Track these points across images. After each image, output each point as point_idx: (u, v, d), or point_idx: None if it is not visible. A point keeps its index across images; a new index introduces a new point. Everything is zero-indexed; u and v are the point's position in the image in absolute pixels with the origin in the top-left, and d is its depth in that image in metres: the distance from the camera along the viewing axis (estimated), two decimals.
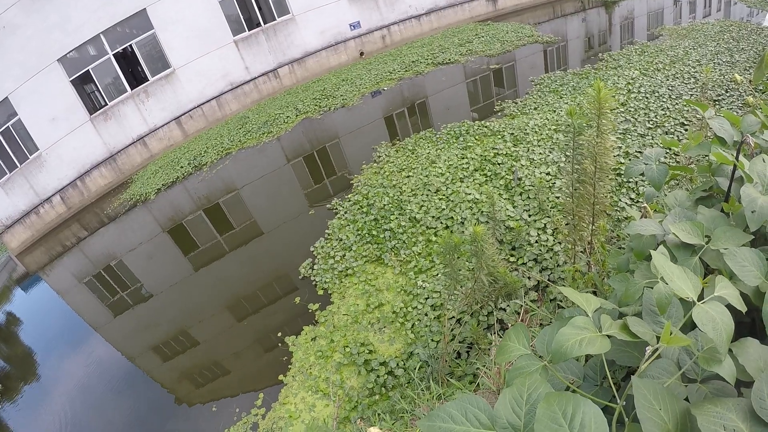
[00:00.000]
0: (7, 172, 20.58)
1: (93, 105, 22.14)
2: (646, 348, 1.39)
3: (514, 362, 1.68)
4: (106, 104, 20.62)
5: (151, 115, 20.80)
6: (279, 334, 7.66)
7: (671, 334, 1.33)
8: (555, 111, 10.89)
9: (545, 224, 7.31)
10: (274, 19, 21.50)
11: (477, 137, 10.72)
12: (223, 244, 11.96)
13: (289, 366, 6.99)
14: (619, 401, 1.40)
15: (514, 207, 7.93)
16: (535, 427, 1.17)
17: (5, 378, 11.31)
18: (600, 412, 1.16)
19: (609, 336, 1.49)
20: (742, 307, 1.46)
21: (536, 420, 1.18)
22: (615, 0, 22.09)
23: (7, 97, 19.50)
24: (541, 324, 4.89)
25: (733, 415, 1.20)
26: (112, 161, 20.81)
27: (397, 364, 6.22)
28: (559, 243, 6.85)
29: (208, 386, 7.89)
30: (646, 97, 10.75)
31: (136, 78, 21.68)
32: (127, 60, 21.45)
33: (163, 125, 20.96)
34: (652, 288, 1.69)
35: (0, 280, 20.19)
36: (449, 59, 18.13)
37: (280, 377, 6.84)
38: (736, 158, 2.17)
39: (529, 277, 6.45)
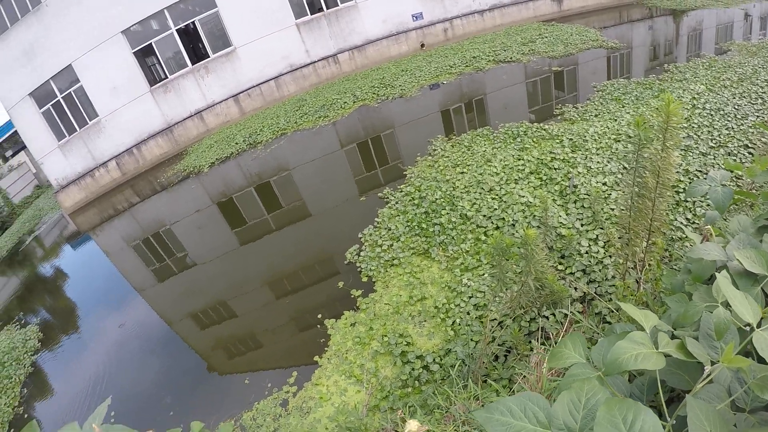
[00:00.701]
0: (67, 135, 21.38)
1: (153, 77, 22.82)
2: (705, 368, 1.40)
3: (565, 369, 1.70)
4: (167, 77, 21.17)
5: (210, 91, 21.23)
6: (319, 316, 7.77)
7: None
8: (616, 120, 10.68)
9: (597, 235, 7.21)
10: (337, 5, 21.67)
11: (535, 139, 10.60)
12: (271, 221, 12.14)
13: (326, 348, 7.07)
14: (669, 419, 1.42)
15: (567, 214, 7.83)
16: (596, 429, 1.20)
17: (47, 328, 11.77)
18: (659, 423, 1.19)
19: (672, 354, 1.50)
20: None
21: (596, 423, 1.21)
22: (684, 9, 21.48)
23: (70, 64, 20.25)
24: (589, 338, 4.85)
25: None
26: (169, 132, 21.35)
27: (434, 360, 6.23)
28: (610, 256, 6.74)
29: (242, 358, 8.08)
30: (711, 115, 10.40)
31: (196, 54, 22.22)
32: (189, 36, 21.98)
33: (221, 101, 21.39)
34: (711, 312, 1.70)
35: (51, 237, 20.98)
36: (511, 57, 17.94)
37: (316, 358, 6.93)
38: None
39: (575, 288, 6.38)
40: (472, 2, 22.86)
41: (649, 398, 1.77)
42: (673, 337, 1.89)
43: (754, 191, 6.38)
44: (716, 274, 1.65)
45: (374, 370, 6.39)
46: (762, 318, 1.50)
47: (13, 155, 46.83)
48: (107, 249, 15.91)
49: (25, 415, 8.97)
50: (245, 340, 8.44)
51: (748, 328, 1.44)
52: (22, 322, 12.81)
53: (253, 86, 21.46)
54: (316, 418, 6.02)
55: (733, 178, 7.68)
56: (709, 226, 2.90)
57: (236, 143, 17.91)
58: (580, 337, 1.73)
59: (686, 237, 6.63)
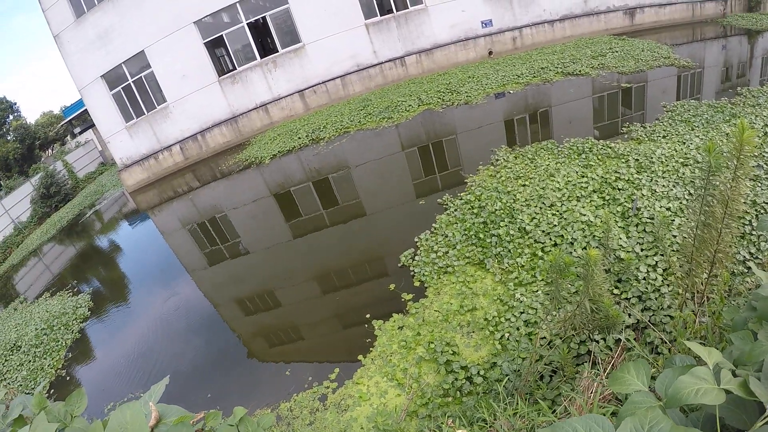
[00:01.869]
0: (135, 117, 22.22)
1: (221, 68, 23.49)
2: (767, 407, 1.38)
3: (620, 396, 1.71)
4: (235, 68, 21.74)
5: (276, 85, 21.64)
6: (367, 316, 7.82)
7: None
8: (684, 143, 10.37)
9: (657, 262, 7.04)
10: (407, 8, 21.76)
11: (600, 157, 10.40)
12: (326, 217, 12.27)
13: (371, 348, 7.12)
14: None
15: (627, 237, 7.66)
16: None
17: (98, 298, 12.21)
18: None
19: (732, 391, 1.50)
20: None
21: None
22: (760, 30, 20.71)
23: (143, 50, 21.06)
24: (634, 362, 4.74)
25: None
26: (233, 122, 21.88)
27: (478, 372, 6.19)
28: (668, 285, 6.57)
29: (285, 347, 8.21)
30: None
31: (264, 48, 22.73)
32: (258, 30, 22.41)
33: (286, 96, 21.77)
34: None
35: (111, 212, 21.77)
36: (580, 70, 17.65)
37: (359, 357, 6.98)
38: None
39: (629, 314, 6.25)
40: (543, 11, 22.60)
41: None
42: (734, 374, 1.87)
43: None
44: None
45: (417, 375, 6.40)
46: None
47: (81, 132, 48.84)
48: (163, 228, 16.43)
49: (67, 378, 9.36)
50: (289, 331, 8.57)
51: None
52: (75, 290, 13.38)
53: (319, 83, 21.75)
54: (353, 416, 6.08)
55: None
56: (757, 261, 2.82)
57: (299, 138, 18.19)
58: (644, 364, 1.73)
59: (750, 272, 6.41)
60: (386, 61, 21.93)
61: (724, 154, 4.09)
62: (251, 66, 21.37)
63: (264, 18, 20.96)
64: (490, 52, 22.50)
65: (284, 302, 9.43)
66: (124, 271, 14.26)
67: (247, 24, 20.83)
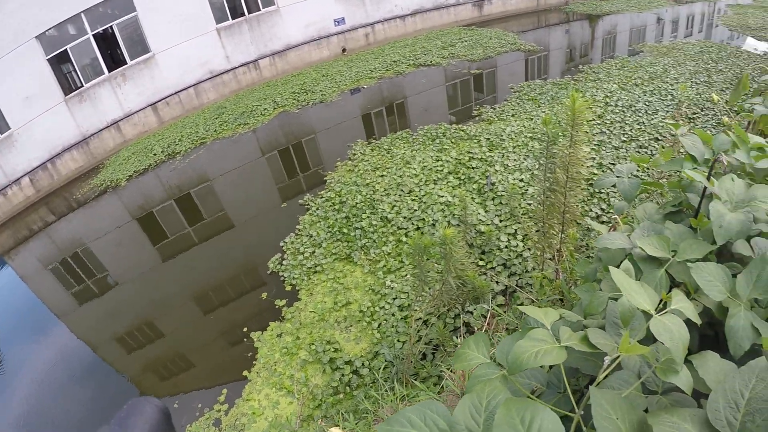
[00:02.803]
0: None
1: (69, 86, 21.71)
2: (605, 358, 1.39)
3: (473, 370, 1.68)
4: (82, 85, 20.25)
5: (127, 100, 20.46)
6: (245, 329, 7.58)
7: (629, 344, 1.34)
8: (532, 119, 10.97)
9: (516, 230, 7.36)
10: (259, 10, 21.33)
11: (453, 140, 10.75)
12: (193, 235, 11.82)
13: (254, 362, 6.92)
14: (577, 410, 1.40)
15: (486, 212, 7.96)
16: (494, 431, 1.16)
17: None
18: (558, 420, 1.15)
19: (570, 347, 1.50)
20: (697, 320, 1.48)
21: (495, 424, 1.17)
22: (599, 14, 22.37)
23: None
24: (507, 329, 4.90)
25: (688, 425, 1.21)
26: (85, 144, 20.44)
27: (363, 364, 6.21)
28: (529, 249, 6.90)
29: (171, 380, 7.76)
30: (623, 111, 10.91)
31: (114, 60, 21.30)
32: (106, 41, 21.07)
33: (138, 110, 20.66)
34: (616, 300, 1.71)
35: None
36: (431, 61, 18.18)
37: (245, 373, 6.76)
38: (708, 176, 2.19)
39: (497, 282, 6.47)
40: (394, 7, 23.01)
41: (571, 384, 1.78)
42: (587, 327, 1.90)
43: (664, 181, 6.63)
44: (610, 267, 1.66)
45: (304, 379, 6.30)
46: (665, 301, 1.51)
47: None
48: (23, 273, 15.10)
49: None
50: (173, 360, 8.13)
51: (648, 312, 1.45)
52: None
53: (172, 94, 20.86)
54: None
55: (646, 170, 8.01)
56: (616, 216, 2.95)
57: (154, 154, 17.35)
58: (483, 336, 1.71)
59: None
60: (239, 66, 21.43)
61: (561, 124, 4.28)
62: (99, 81, 20.01)
63: (112, 27, 19.77)
64: (344, 50, 22.62)
65: (161, 331, 8.94)
66: None
67: (93, 35, 19.46)
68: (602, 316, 1.87)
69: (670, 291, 1.65)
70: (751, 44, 16.17)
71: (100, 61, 19.85)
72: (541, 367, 1.79)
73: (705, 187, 2.24)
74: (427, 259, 4.83)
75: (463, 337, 5.21)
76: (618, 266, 1.89)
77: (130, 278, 11.17)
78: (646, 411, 1.40)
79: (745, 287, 1.63)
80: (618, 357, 1.38)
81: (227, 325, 8.11)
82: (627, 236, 2.20)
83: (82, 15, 19.17)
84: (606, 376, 1.50)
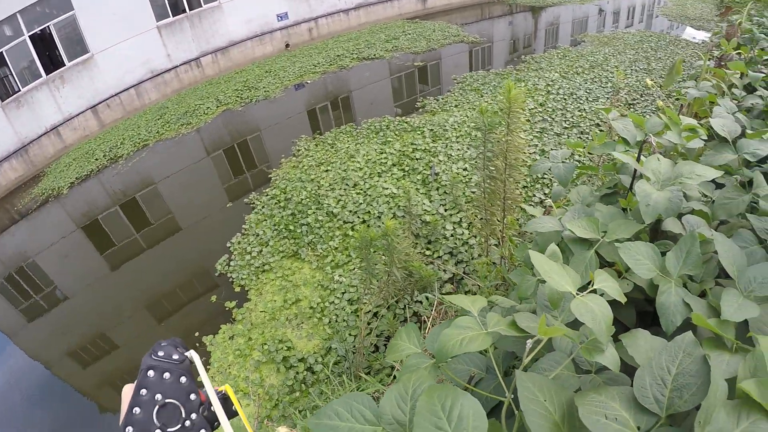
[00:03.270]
0: None
1: (6, 90, 20.79)
2: (528, 341, 1.40)
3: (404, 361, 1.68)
4: (19, 90, 19.47)
5: (66, 103, 19.78)
6: (196, 334, 7.45)
7: (548, 325, 1.34)
8: (475, 109, 11.10)
9: (461, 218, 7.44)
10: (201, 6, 20.89)
11: (397, 133, 10.79)
12: (141, 240, 11.54)
13: (208, 367, 6.82)
14: (507, 394, 1.41)
15: (430, 201, 8.03)
16: (415, 420, 1.16)
17: None
18: (479, 405, 1.15)
19: (500, 333, 1.51)
20: (622, 299, 1.49)
21: (416, 411, 1.17)
22: (542, 6, 22.76)
23: None
24: (456, 316, 4.94)
25: (615, 404, 1.22)
26: (24, 153, 19.67)
27: (316, 360, 6.20)
28: (474, 237, 6.98)
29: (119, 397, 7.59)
30: (565, 99, 11.17)
31: (52, 62, 20.54)
32: (44, 42, 20.29)
33: (78, 114, 20.01)
34: (545, 283, 1.72)
35: None
36: (375, 55, 18.20)
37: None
38: (638, 158, 2.24)
39: (444, 270, 6.53)
40: (338, 1, 22.89)
41: (510, 367, 1.82)
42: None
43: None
44: (529, 250, 1.68)
45: (259, 380, 6.25)
46: (591, 281, 1.52)
47: None
48: None
49: None
50: (127, 372, 7.90)
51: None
52: None
53: (113, 95, 20.28)
54: None
55: (586, 155, 8.20)
56: (550, 200, 2.99)
57: (96, 159, 16.82)
58: (414, 327, 1.71)
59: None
60: (181, 64, 20.97)
61: (500, 113, 4.33)
62: (37, 84, 19.24)
63: (49, 28, 19.05)
64: (287, 45, 22.42)
65: (114, 343, 8.67)
66: None
67: (29, 36, 18.71)
68: (535, 300, 1.89)
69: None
70: (689, 33, 16.80)
71: (37, 64, 19.08)
72: (482, 353, 1.81)
73: (635, 169, 2.29)
74: (374, 252, 4.83)
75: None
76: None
77: (78, 290, 10.86)
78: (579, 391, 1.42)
79: (675, 264, 1.66)
80: (543, 340, 1.39)
81: (179, 332, 7.94)
82: (558, 220, 2.23)
83: (18, 15, 18.38)
84: (536, 359, 1.52)
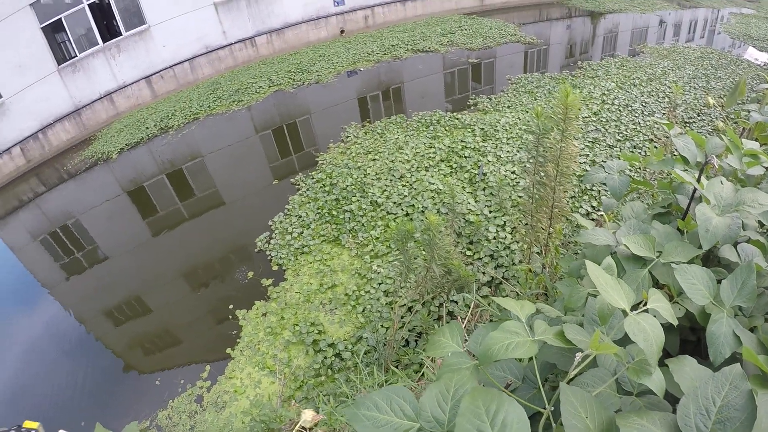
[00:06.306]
0: None
1: (63, 55, 21.37)
2: (576, 355, 1.38)
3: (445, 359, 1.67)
4: (76, 56, 19.95)
5: (121, 72, 20.21)
6: (230, 307, 7.57)
7: (601, 341, 1.33)
8: (527, 111, 10.96)
9: (504, 222, 7.36)
10: None
11: (447, 128, 10.73)
12: (183, 210, 11.75)
13: (238, 340, 6.91)
14: (547, 406, 1.40)
15: (476, 201, 7.97)
16: (457, 421, 1.15)
17: None
18: (524, 414, 1.15)
19: (545, 341, 1.49)
20: (674, 321, 1.47)
21: (459, 413, 1.17)
22: (602, 12, 22.31)
23: None
24: (491, 320, 4.92)
25: (657, 429, 1.20)
26: (77, 116, 20.20)
27: (346, 347, 6.23)
28: (517, 242, 6.90)
29: (155, 354, 7.73)
30: (619, 110, 10.93)
31: (109, 31, 20.98)
32: (102, 11, 20.75)
33: (132, 83, 20.41)
34: (595, 296, 1.70)
35: None
36: (429, 47, 18.07)
37: (228, 351, 6.75)
38: (699, 179, 2.18)
39: (483, 273, 6.49)
40: None
41: (545, 380, 1.78)
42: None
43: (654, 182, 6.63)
44: (586, 261, 1.64)
45: (287, 360, 6.32)
46: (644, 301, 1.50)
47: None
48: (12, 244, 14.98)
49: None
50: (159, 335, 8.08)
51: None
52: None
53: (167, 67, 20.61)
54: (232, 412, 5.89)
55: (638, 170, 8.02)
56: (602, 212, 2.95)
57: (147, 128, 17.17)
58: (457, 325, 1.70)
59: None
60: (236, 42, 21.17)
61: (555, 118, 4.27)
62: (93, 51, 19.70)
63: None
64: (342, 31, 22.44)
65: (148, 306, 8.89)
66: None
67: (88, 5, 19.12)
68: (582, 313, 1.86)
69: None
70: (752, 54, 16.21)
71: (94, 32, 19.53)
72: (519, 361, 1.80)
73: (694, 190, 2.24)
74: (414, 244, 4.82)
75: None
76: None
77: (119, 252, 11.09)
78: (619, 411, 1.40)
79: (730, 294, 1.62)
80: (592, 355, 1.37)
81: (213, 302, 8.09)
82: (612, 233, 2.19)
83: None
84: (580, 373, 1.50)
